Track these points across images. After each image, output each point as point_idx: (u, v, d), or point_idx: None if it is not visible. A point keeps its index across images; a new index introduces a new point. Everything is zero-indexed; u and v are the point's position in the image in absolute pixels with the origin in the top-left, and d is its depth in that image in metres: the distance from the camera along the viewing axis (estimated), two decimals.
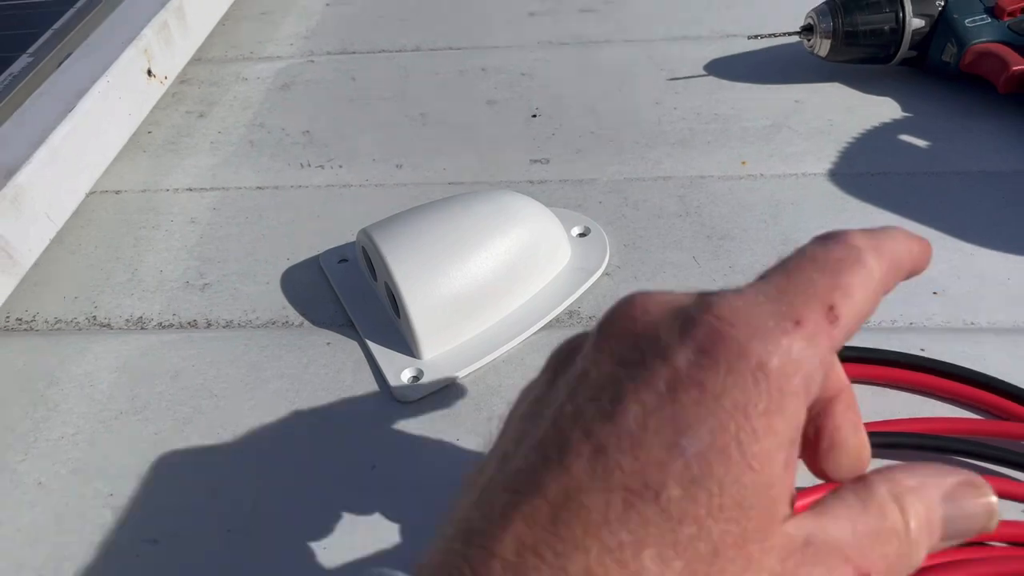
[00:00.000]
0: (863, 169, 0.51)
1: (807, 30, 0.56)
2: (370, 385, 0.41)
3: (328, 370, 0.42)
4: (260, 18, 0.75)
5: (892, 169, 0.51)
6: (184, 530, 0.36)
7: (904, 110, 0.55)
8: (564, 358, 0.22)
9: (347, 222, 0.51)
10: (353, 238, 0.49)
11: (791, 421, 0.18)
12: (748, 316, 0.19)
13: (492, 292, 0.42)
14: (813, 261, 0.21)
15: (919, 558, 0.20)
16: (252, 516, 0.36)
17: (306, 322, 0.45)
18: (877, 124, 0.54)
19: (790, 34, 0.56)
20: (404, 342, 0.43)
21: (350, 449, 0.39)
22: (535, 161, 0.55)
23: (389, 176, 0.55)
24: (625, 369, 0.19)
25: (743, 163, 0.53)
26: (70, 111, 0.49)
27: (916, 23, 0.54)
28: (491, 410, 0.40)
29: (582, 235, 0.48)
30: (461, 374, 0.41)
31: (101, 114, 0.52)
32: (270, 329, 0.45)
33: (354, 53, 0.68)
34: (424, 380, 0.41)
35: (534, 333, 0.43)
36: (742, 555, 0.18)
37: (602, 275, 0.46)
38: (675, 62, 0.62)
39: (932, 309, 0.42)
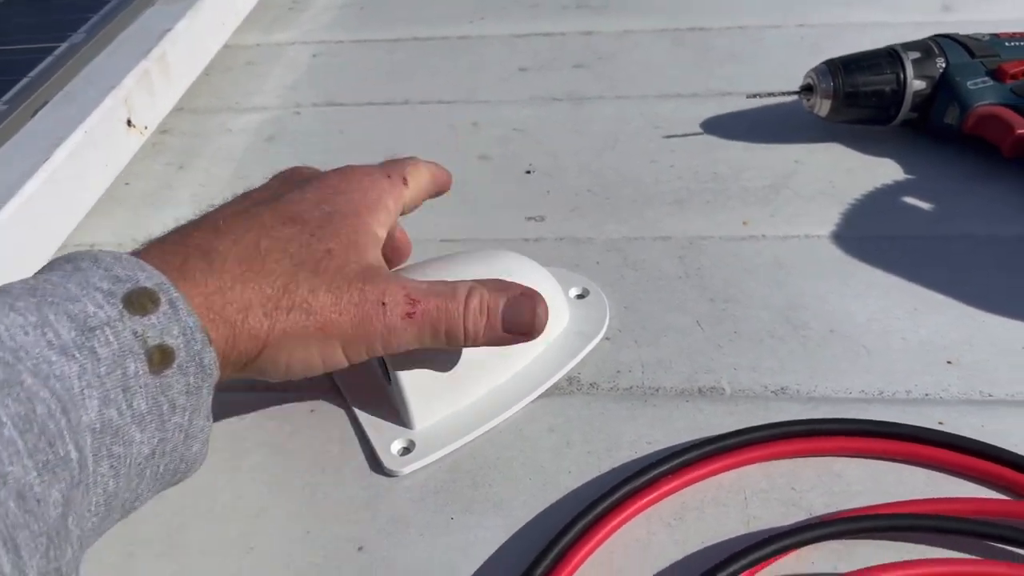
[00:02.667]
0: (868, 232, 0.50)
1: (807, 90, 0.55)
2: (358, 457, 0.39)
3: (313, 440, 0.40)
4: (246, 68, 0.73)
5: (897, 232, 0.49)
6: None
7: (906, 172, 0.54)
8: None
9: None
10: None
11: (383, 219, 0.37)
12: (366, 167, 0.39)
13: (487, 357, 0.40)
14: (396, 159, 0.42)
15: (471, 327, 0.35)
16: None
17: (289, 386, 0.43)
18: (879, 186, 0.53)
19: (789, 94, 0.56)
20: (394, 410, 0.40)
21: (336, 528, 0.36)
22: (530, 219, 0.53)
23: None
24: (300, 182, 0.38)
25: (744, 223, 0.51)
26: (45, 161, 0.47)
27: (917, 85, 0.53)
28: (488, 486, 0.37)
29: (580, 296, 0.46)
30: (455, 446, 0.39)
31: (77, 165, 0.50)
32: (249, 395, 0.42)
33: (341, 105, 0.66)
34: (415, 452, 0.38)
35: (532, 401, 0.41)
36: (335, 262, 0.34)
37: (602, 339, 0.44)
38: (670, 120, 0.61)
39: (948, 380, 0.40)
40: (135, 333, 0.27)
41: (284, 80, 0.71)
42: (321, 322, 0.33)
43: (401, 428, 0.39)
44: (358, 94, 0.68)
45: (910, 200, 0.52)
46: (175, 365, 0.28)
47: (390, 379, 0.39)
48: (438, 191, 0.43)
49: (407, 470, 0.38)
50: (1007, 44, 0.54)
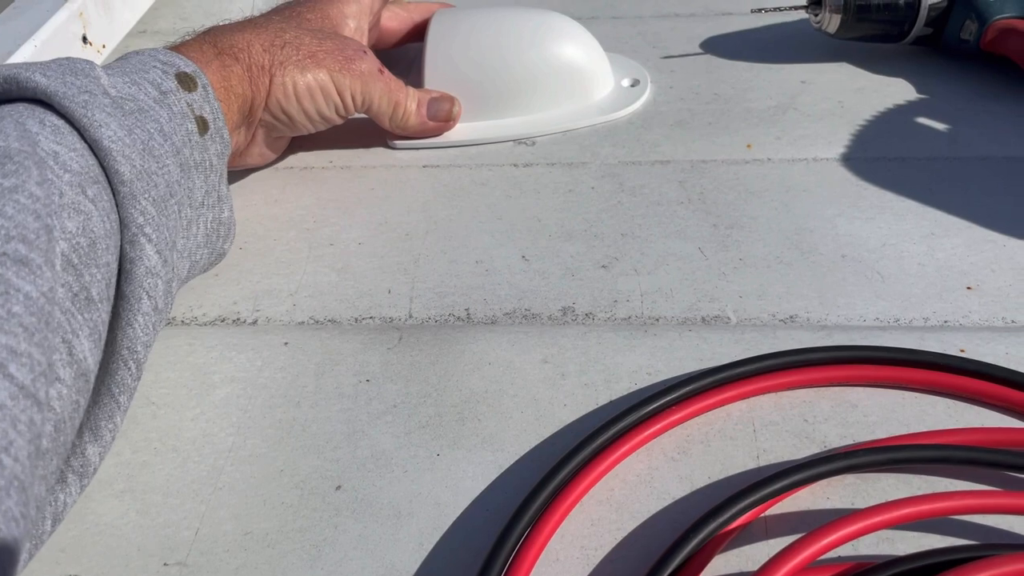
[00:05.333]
0: (879, 154, 0.47)
1: (815, 4, 0.51)
2: (335, 389, 0.36)
3: (286, 373, 0.37)
4: None
5: (910, 154, 0.46)
6: (107, 564, 0.30)
7: (919, 91, 0.51)
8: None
9: (304, 202, 0.45)
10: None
11: (355, 10, 0.47)
12: None
13: (512, 93, 0.49)
14: None
15: (410, 106, 0.47)
16: (193, 547, 0.30)
17: (260, 319, 0.40)
18: (891, 106, 0.50)
19: (797, 8, 0.52)
20: None
21: (311, 465, 0.33)
22: (520, 143, 0.50)
23: (356, 157, 0.49)
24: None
25: (748, 146, 0.48)
26: None
27: None
28: (476, 420, 0.34)
29: (633, 84, 0.52)
30: (449, 138, 0.49)
31: None
32: (218, 327, 0.39)
33: None
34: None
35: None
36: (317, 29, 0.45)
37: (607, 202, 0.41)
38: (668, 40, 0.57)
39: (968, 306, 0.38)
40: (188, 103, 0.36)
41: (252, 2, 0.66)
42: (310, 52, 0.43)
43: None
44: None
45: (923, 121, 0.48)
46: (209, 133, 0.37)
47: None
48: None
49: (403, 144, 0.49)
50: None
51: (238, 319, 0.40)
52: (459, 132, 0.50)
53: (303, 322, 0.39)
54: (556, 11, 0.52)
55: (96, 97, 0.32)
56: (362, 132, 0.50)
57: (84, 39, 0.51)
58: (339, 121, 0.46)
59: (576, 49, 0.50)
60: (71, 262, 0.28)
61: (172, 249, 0.33)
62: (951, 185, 0.44)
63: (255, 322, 0.39)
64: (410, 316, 0.39)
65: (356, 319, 0.39)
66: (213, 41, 0.41)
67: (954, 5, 0.49)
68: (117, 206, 0.31)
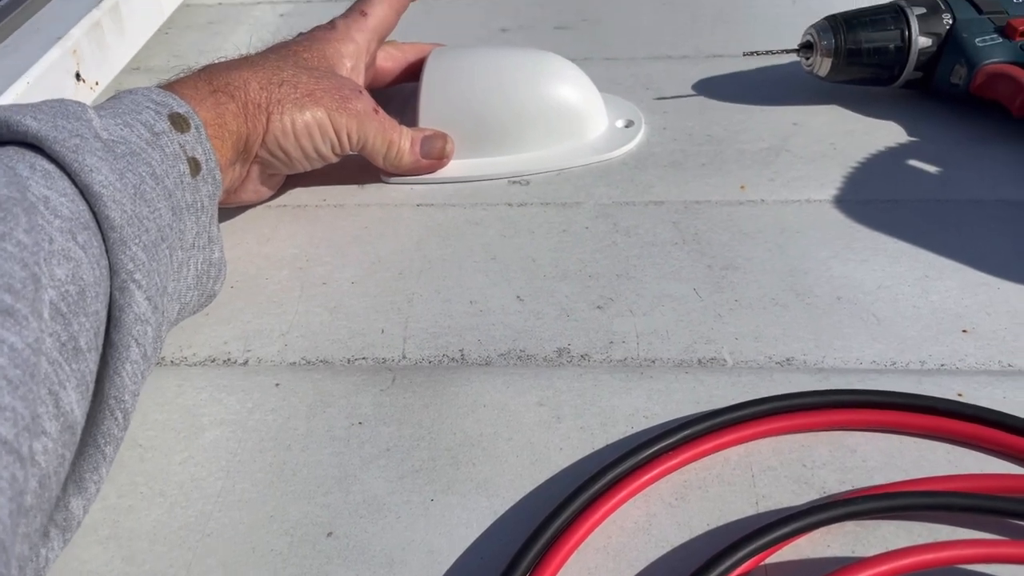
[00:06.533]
0: (871, 196, 0.47)
1: (806, 47, 0.52)
2: (326, 433, 0.35)
3: (277, 416, 0.36)
4: (207, 27, 0.69)
5: (903, 196, 0.47)
6: None
7: (910, 134, 0.51)
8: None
9: (297, 241, 0.45)
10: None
11: (351, 50, 0.47)
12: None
13: (507, 132, 0.50)
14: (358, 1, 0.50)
15: (404, 145, 0.48)
16: None
17: (251, 359, 0.39)
18: (882, 148, 0.50)
19: (788, 51, 0.52)
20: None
21: (302, 511, 0.32)
22: (513, 182, 0.50)
23: (350, 195, 0.49)
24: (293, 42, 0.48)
25: (742, 188, 0.48)
26: None
27: (923, 42, 0.50)
28: (471, 465, 0.34)
29: (627, 125, 0.53)
30: (442, 175, 0.49)
31: None
32: (208, 367, 0.39)
33: None
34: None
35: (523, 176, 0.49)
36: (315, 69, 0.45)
37: (599, 246, 0.40)
38: (661, 81, 0.58)
39: (965, 349, 0.38)
40: (180, 144, 0.36)
41: (248, 40, 0.67)
42: (308, 90, 0.43)
43: None
44: None
45: (915, 163, 0.49)
46: (201, 175, 0.36)
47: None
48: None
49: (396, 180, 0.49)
50: (1015, 0, 0.51)
51: (229, 359, 0.39)
52: (454, 169, 0.50)
53: (295, 362, 0.39)
54: (551, 52, 0.52)
55: (87, 141, 0.31)
56: (356, 170, 0.50)
57: (77, 76, 0.51)
58: (335, 159, 0.46)
59: (571, 89, 0.50)
60: (60, 311, 0.27)
61: (162, 294, 0.32)
62: (944, 227, 0.44)
63: (246, 362, 0.39)
64: (403, 356, 0.39)
65: (349, 360, 0.39)
66: (208, 79, 0.41)
67: (943, 50, 0.50)
68: (107, 251, 0.30)
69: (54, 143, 0.30)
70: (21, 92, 0.46)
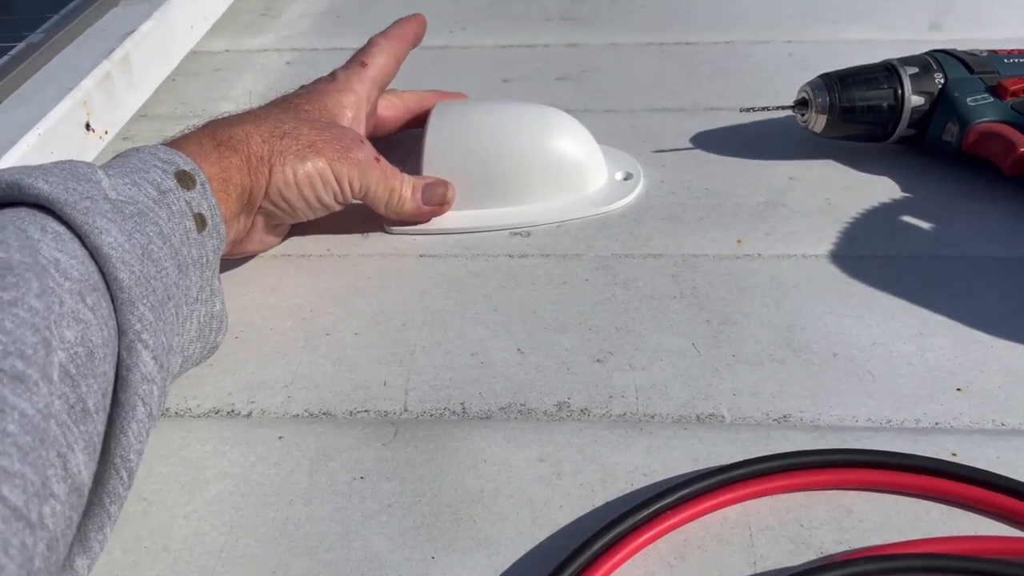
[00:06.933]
0: (866, 251, 0.48)
1: (801, 104, 0.53)
2: (329, 487, 0.35)
3: (279, 470, 0.36)
4: (213, 75, 0.70)
5: (896, 252, 0.47)
6: None
7: (903, 190, 0.52)
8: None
9: (301, 291, 0.46)
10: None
11: (352, 100, 0.49)
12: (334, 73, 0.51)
13: (506, 183, 0.51)
14: (358, 51, 0.52)
15: (405, 192, 0.48)
16: None
17: (255, 411, 0.39)
18: (876, 204, 0.51)
19: (784, 108, 0.54)
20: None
21: (305, 567, 0.32)
22: (515, 234, 0.50)
23: (354, 245, 0.50)
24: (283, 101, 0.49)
25: (739, 242, 0.49)
26: None
27: (915, 100, 0.51)
28: (472, 522, 0.34)
29: (626, 178, 0.54)
30: (445, 225, 0.50)
31: None
32: (212, 419, 0.39)
33: None
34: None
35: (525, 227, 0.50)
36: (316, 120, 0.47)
37: (597, 305, 0.41)
38: (658, 133, 0.59)
39: (958, 408, 0.38)
40: (186, 201, 0.37)
41: (254, 87, 0.68)
42: (309, 142, 0.44)
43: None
44: None
45: (908, 219, 0.50)
46: (207, 230, 0.37)
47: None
48: (409, 45, 0.54)
49: (399, 229, 0.50)
50: (1006, 60, 0.52)
51: (232, 411, 0.40)
52: (456, 220, 0.50)
53: (298, 415, 0.39)
54: (552, 105, 0.53)
55: (97, 203, 0.32)
56: (360, 219, 0.51)
57: (87, 126, 0.52)
58: (338, 208, 0.46)
59: (572, 143, 0.51)
60: (69, 373, 0.28)
61: (168, 352, 0.33)
62: (937, 284, 0.45)
63: (249, 414, 0.39)
64: (405, 409, 0.39)
65: (351, 412, 0.39)
66: (212, 134, 0.42)
67: (936, 108, 0.51)
68: (115, 312, 0.31)
69: (65, 205, 0.31)
70: (32, 143, 0.47)
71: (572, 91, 0.65)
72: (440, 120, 0.51)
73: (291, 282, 0.48)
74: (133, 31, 0.59)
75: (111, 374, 0.30)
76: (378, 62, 0.51)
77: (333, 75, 0.50)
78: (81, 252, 0.31)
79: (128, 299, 0.31)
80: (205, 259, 0.37)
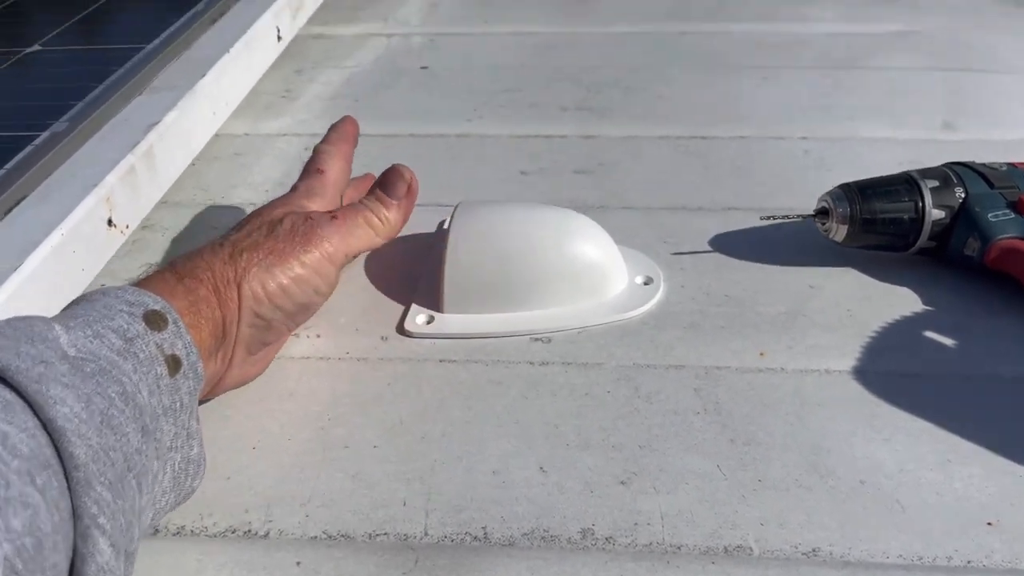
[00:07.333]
0: (891, 368, 0.47)
1: (822, 213, 0.53)
2: None
3: None
4: (233, 159, 0.70)
5: (921, 370, 0.47)
6: None
7: (926, 303, 0.52)
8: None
9: (320, 397, 0.45)
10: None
11: (319, 204, 0.48)
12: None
13: (524, 287, 0.51)
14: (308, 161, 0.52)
15: (372, 219, 0.48)
16: None
17: (272, 531, 0.39)
18: (899, 317, 0.51)
19: (804, 216, 0.54)
20: (432, 298, 0.52)
21: None
22: (536, 339, 0.50)
23: (373, 349, 0.50)
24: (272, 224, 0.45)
25: (761, 354, 0.48)
26: (14, 271, 0.43)
27: (936, 214, 0.51)
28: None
29: (646, 283, 0.53)
30: (469, 331, 0.50)
31: (51, 271, 0.46)
32: (228, 540, 0.38)
33: None
34: (434, 324, 0.50)
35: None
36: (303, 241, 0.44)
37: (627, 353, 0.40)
38: (677, 234, 0.59)
39: (990, 544, 0.37)
40: (157, 344, 0.35)
41: (272, 172, 0.68)
42: (269, 249, 0.43)
43: (431, 311, 0.51)
44: None
45: (932, 335, 0.49)
46: (181, 371, 0.36)
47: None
48: (352, 145, 0.54)
49: (419, 332, 0.50)
50: None
51: (249, 531, 0.39)
52: (477, 324, 0.50)
53: (316, 536, 0.38)
54: (570, 201, 0.53)
55: (53, 366, 0.30)
56: (380, 322, 0.51)
57: (109, 222, 0.52)
58: (320, 301, 0.46)
59: (593, 249, 0.52)
60: (15, 569, 0.25)
61: (128, 531, 0.30)
62: (963, 406, 0.45)
63: (267, 534, 0.39)
64: (426, 533, 0.39)
65: (370, 534, 0.39)
66: (174, 269, 0.41)
67: (957, 222, 0.51)
68: (69, 490, 0.28)
69: (16, 373, 0.29)
70: (56, 244, 0.46)
71: (590, 186, 0.65)
72: (462, 223, 0.51)
73: (309, 387, 0.47)
74: (157, 122, 0.59)
75: (63, 565, 0.28)
76: (335, 166, 0.51)
77: (294, 187, 0.50)
78: (32, 423, 0.28)
79: (84, 479, 0.29)
80: (179, 403, 0.35)
